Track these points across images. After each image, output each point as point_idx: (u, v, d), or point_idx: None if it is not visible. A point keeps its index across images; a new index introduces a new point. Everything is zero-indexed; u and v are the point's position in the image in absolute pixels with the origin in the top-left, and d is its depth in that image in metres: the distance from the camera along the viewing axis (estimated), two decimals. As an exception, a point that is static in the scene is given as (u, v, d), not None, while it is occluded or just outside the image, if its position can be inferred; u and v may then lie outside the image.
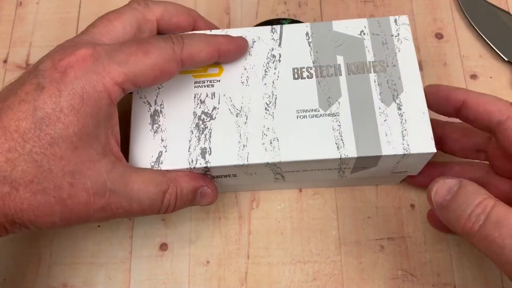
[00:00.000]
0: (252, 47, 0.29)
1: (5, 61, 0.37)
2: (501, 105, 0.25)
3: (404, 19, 0.30)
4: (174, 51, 0.25)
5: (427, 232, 0.32)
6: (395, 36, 0.29)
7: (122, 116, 0.27)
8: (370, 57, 0.29)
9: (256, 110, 0.28)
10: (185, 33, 0.29)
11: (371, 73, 0.28)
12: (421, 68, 0.36)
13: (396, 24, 0.29)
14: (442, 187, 0.24)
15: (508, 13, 0.38)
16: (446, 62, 0.37)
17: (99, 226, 0.32)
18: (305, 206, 0.33)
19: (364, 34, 0.29)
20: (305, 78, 0.28)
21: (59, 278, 0.31)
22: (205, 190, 0.28)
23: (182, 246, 0.32)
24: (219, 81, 0.29)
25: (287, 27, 0.30)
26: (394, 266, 0.31)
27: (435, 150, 0.26)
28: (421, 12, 0.38)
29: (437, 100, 0.28)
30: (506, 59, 0.36)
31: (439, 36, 0.38)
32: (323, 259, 0.32)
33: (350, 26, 0.30)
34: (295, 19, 0.38)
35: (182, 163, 0.27)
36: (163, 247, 0.32)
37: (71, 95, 0.22)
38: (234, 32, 0.30)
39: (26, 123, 0.21)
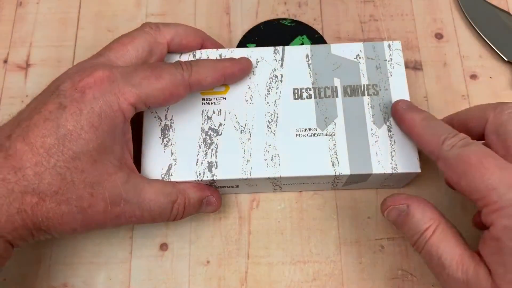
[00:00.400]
0: (256, 66, 0.31)
1: (5, 61, 0.37)
2: (480, 114, 0.27)
3: (397, 44, 0.32)
4: (183, 77, 0.27)
5: (427, 232, 0.32)
6: (388, 61, 0.31)
7: (134, 129, 0.28)
8: (364, 80, 0.31)
9: (259, 127, 0.30)
10: (194, 59, 0.30)
11: (365, 95, 0.30)
12: (421, 68, 0.36)
13: (389, 49, 0.32)
14: (392, 211, 0.26)
15: (508, 13, 0.38)
16: (446, 62, 0.37)
17: (99, 226, 0.33)
18: (305, 206, 0.33)
19: (359, 58, 0.31)
20: (304, 99, 0.30)
21: (59, 278, 0.31)
22: (210, 199, 0.30)
23: (182, 246, 0.32)
24: (225, 98, 0.31)
25: (289, 49, 0.32)
26: (394, 266, 0.31)
27: (419, 171, 0.29)
28: (421, 12, 0.38)
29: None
30: (506, 59, 0.36)
31: (439, 36, 0.38)
32: (323, 259, 0.32)
33: (347, 50, 0.32)
34: (295, 19, 0.38)
35: (190, 176, 0.29)
36: (163, 247, 0.32)
37: (90, 114, 0.24)
38: (239, 52, 0.32)
39: (50, 139, 0.24)
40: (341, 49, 0.32)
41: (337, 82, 0.31)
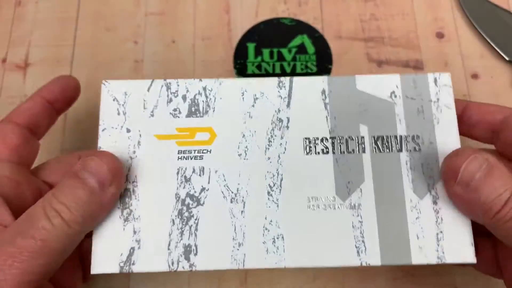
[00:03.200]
0: (253, 106, 0.23)
1: (4, 61, 0.37)
2: (500, 107, 0.25)
3: (446, 79, 0.24)
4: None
5: (428, 233, 0.32)
6: (434, 101, 0.23)
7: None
8: (401, 129, 0.23)
9: (256, 194, 0.22)
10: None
11: (402, 152, 0.23)
12: (422, 68, 0.36)
13: (435, 84, 0.24)
14: (474, 162, 0.20)
15: (509, 12, 0.38)
16: (447, 62, 0.37)
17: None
18: (306, 207, 0.33)
19: (395, 96, 0.24)
20: (319, 153, 0.23)
21: (59, 278, 0.31)
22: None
23: (182, 246, 0.32)
24: (210, 151, 0.23)
25: (298, 81, 0.24)
26: (395, 266, 0.31)
27: (475, 261, 0.22)
28: (422, 11, 0.38)
29: None
30: (508, 59, 0.36)
31: (440, 35, 0.37)
32: (323, 259, 0.31)
33: (379, 85, 0.24)
34: (295, 18, 0.38)
35: (159, 265, 0.22)
36: (163, 247, 0.32)
37: None
38: (229, 83, 0.24)
39: None
40: (370, 83, 0.24)
41: (364, 131, 0.23)
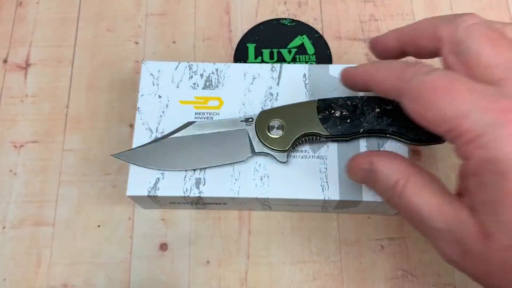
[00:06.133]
0: (252, 83, 0.31)
1: (5, 61, 0.37)
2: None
3: None
4: None
5: (427, 232, 0.32)
6: None
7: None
8: None
9: None
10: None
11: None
12: (421, 68, 0.36)
13: None
14: (358, 173, 0.24)
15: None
16: (446, 62, 0.37)
17: (99, 226, 0.32)
18: (305, 206, 0.33)
19: None
20: None
21: (59, 278, 0.31)
22: None
23: (182, 246, 0.32)
24: (219, 114, 0.30)
25: (286, 67, 0.31)
26: (394, 266, 0.31)
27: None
28: (421, 11, 0.38)
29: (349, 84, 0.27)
30: (507, 59, 0.36)
31: (439, 36, 0.38)
32: (323, 259, 0.31)
33: None
34: (295, 19, 0.38)
35: (177, 191, 0.28)
36: (163, 247, 0.32)
37: None
38: (235, 66, 0.31)
39: None
40: (339, 70, 0.29)
41: None
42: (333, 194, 0.28)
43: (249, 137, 0.28)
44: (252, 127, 0.28)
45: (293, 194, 0.28)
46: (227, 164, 0.28)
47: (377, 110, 0.27)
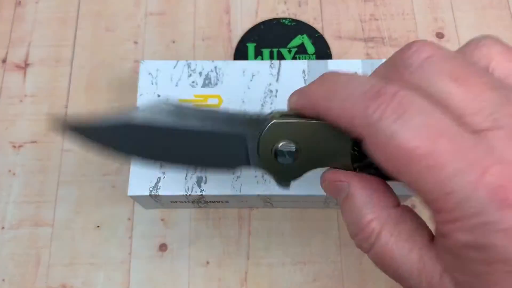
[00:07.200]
0: (251, 80, 0.31)
1: (4, 61, 0.37)
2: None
3: None
4: None
5: (428, 233, 0.32)
6: None
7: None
8: None
9: None
10: None
11: None
12: (421, 68, 0.36)
13: None
14: (330, 187, 0.19)
15: (509, 12, 0.38)
16: (447, 62, 0.37)
17: (98, 226, 0.32)
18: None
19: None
20: None
21: (58, 278, 0.31)
22: None
23: (181, 246, 0.32)
24: None
25: (285, 63, 0.31)
26: (395, 266, 0.31)
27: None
28: (421, 11, 0.38)
29: None
30: (507, 59, 0.36)
31: (440, 35, 0.37)
32: (323, 259, 0.31)
33: (345, 67, 0.31)
34: (295, 18, 0.38)
35: (178, 190, 0.28)
36: (163, 247, 0.32)
37: None
38: (234, 64, 0.31)
39: None
40: (338, 66, 0.31)
41: None
42: None
43: (246, 145, 0.20)
44: (254, 136, 0.19)
45: (296, 190, 0.28)
46: (210, 169, 0.25)
47: None
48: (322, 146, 0.19)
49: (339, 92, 0.17)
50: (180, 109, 0.21)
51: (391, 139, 0.15)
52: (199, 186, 0.28)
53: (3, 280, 0.31)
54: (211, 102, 0.30)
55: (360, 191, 0.18)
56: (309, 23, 0.38)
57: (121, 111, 0.21)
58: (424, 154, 0.14)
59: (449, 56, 0.16)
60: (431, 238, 0.17)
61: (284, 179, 0.20)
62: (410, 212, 0.18)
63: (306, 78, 0.31)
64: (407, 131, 0.15)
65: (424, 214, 0.17)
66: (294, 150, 0.19)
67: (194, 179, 0.28)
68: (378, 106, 0.15)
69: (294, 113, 0.19)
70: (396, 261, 0.17)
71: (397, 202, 0.18)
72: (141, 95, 0.30)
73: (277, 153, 0.19)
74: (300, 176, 0.20)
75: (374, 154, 0.16)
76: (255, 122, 0.20)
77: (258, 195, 0.28)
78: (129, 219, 0.33)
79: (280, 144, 0.19)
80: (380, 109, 0.15)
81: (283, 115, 0.19)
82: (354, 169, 0.19)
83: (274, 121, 0.19)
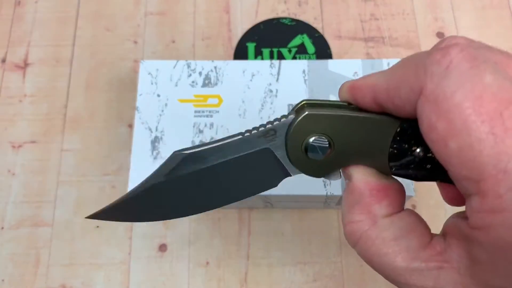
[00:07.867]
0: (251, 80, 0.31)
1: (3, 61, 0.37)
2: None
3: (396, 62, 0.30)
4: None
5: (428, 233, 0.32)
6: None
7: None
8: None
9: None
10: None
11: None
12: (422, 68, 0.36)
13: (388, 66, 0.30)
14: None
15: (509, 12, 0.37)
16: (447, 62, 0.36)
17: (98, 227, 0.32)
18: (306, 207, 0.33)
19: (357, 75, 0.31)
20: None
21: (58, 279, 0.31)
22: None
23: (181, 247, 0.32)
24: (218, 112, 0.30)
25: (285, 63, 0.31)
26: (395, 267, 0.31)
27: (413, 194, 0.27)
28: (422, 11, 0.38)
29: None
30: (508, 59, 0.36)
31: (440, 35, 0.37)
32: (323, 260, 0.31)
33: (345, 67, 0.31)
34: (295, 18, 0.38)
35: None
36: (163, 248, 0.32)
37: None
38: (234, 64, 0.31)
39: None
40: (339, 66, 0.30)
41: (332, 99, 0.29)
42: (336, 189, 0.28)
43: (276, 157, 0.19)
44: (279, 143, 0.18)
45: (295, 190, 0.28)
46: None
47: None
48: (358, 141, 0.17)
49: (402, 61, 0.16)
50: (194, 155, 0.20)
51: (454, 95, 0.13)
52: None
53: (3, 280, 0.31)
54: (211, 102, 0.30)
55: (360, 182, 0.17)
56: (309, 23, 0.38)
57: (146, 180, 0.20)
58: (488, 120, 0.12)
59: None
60: (430, 239, 0.16)
61: (314, 175, 0.19)
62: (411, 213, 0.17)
63: (306, 78, 0.30)
64: (476, 85, 0.13)
65: (424, 214, 0.18)
66: (327, 145, 0.17)
67: None
68: (446, 53, 0.14)
69: (324, 103, 0.18)
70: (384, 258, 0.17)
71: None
72: (140, 95, 0.30)
73: (308, 148, 0.18)
74: (332, 172, 0.19)
75: (432, 119, 0.13)
76: (272, 130, 0.18)
77: (258, 195, 0.28)
78: (128, 219, 0.33)
79: (312, 139, 0.17)
80: (449, 56, 0.14)
81: (311, 105, 0.18)
82: (390, 169, 0.17)
83: (307, 112, 0.17)
